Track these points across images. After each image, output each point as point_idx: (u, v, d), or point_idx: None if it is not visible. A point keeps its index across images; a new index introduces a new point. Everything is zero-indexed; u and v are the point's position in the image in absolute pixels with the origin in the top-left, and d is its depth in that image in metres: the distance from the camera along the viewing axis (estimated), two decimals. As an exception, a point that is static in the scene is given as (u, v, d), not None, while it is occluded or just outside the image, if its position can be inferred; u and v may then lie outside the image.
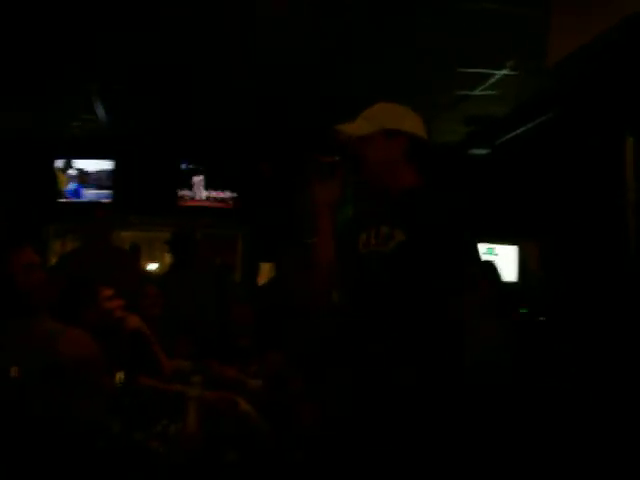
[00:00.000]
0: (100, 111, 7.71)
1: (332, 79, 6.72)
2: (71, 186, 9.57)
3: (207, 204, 9.82)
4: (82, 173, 9.58)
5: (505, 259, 8.41)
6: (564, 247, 7.31)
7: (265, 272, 9.33)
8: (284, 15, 5.44)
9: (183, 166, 9.78)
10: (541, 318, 7.23)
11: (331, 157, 2.88)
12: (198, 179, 9.82)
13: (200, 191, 9.83)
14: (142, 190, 9.52)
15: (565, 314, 6.78)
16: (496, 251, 8.55)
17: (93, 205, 9.23)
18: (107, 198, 9.56)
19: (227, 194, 9.84)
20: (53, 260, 7.92)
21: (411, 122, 2.90)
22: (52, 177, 9.51)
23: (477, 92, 7.09)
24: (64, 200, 9.56)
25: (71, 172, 9.57)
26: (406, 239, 2.70)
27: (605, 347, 5.60)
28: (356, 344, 2.72)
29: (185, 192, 9.79)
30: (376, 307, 2.70)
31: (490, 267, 5.30)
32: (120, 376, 3.16)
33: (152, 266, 10.24)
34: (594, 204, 6.60)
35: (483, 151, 8.98)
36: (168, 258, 9.75)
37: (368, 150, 2.84)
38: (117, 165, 9.62)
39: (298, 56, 6.30)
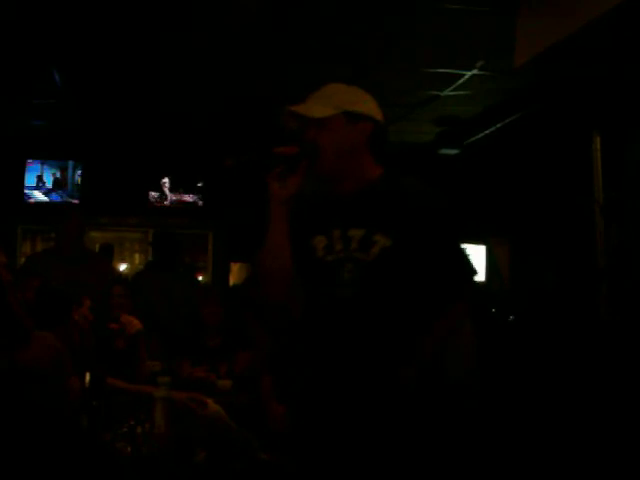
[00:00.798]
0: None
1: (298, 77, 6.71)
2: (40, 186, 9.50)
3: (177, 204, 9.78)
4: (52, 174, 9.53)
5: (474, 258, 8.44)
6: (533, 246, 7.36)
7: (236, 272, 9.34)
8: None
9: (152, 166, 9.73)
10: (510, 317, 7.28)
11: (291, 149, 2.48)
12: (167, 179, 9.79)
13: (169, 191, 9.79)
14: (112, 191, 9.44)
15: (534, 313, 6.82)
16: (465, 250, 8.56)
17: (63, 206, 9.17)
18: (76, 199, 9.51)
19: (197, 194, 9.81)
20: (22, 261, 7.87)
21: (371, 105, 2.58)
22: (21, 177, 9.43)
23: (447, 92, 7.12)
24: (33, 201, 9.48)
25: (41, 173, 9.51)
26: (392, 245, 2.40)
27: (571, 347, 5.64)
28: (337, 353, 2.42)
29: (155, 192, 9.74)
30: (360, 321, 2.40)
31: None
32: (88, 378, 3.14)
33: (122, 266, 10.20)
34: (563, 203, 6.65)
35: (453, 151, 9.02)
36: (138, 258, 9.75)
37: (326, 136, 2.48)
38: (86, 166, 9.55)
39: (260, 58, 6.31)
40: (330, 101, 2.50)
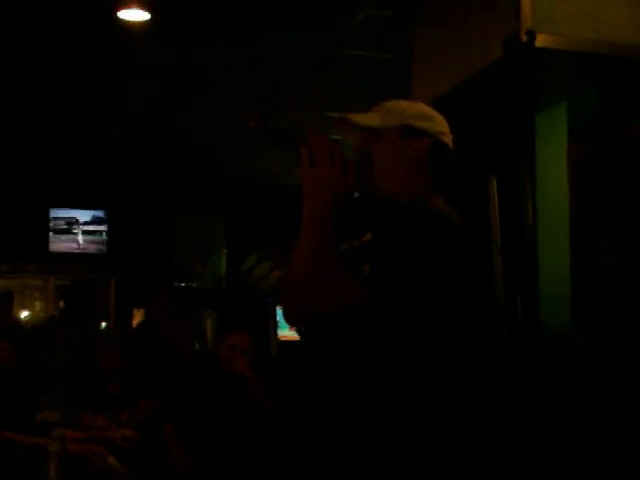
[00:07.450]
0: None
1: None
2: None
3: (79, 249, 9.68)
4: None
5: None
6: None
7: (138, 317, 9.25)
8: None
9: (53, 212, 9.62)
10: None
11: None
12: (70, 224, 9.69)
13: (72, 236, 9.69)
14: (11, 236, 9.28)
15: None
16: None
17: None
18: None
19: (99, 239, 9.73)
20: None
21: (435, 123, 2.30)
22: None
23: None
24: None
25: None
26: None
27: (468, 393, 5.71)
28: None
29: (56, 237, 9.63)
30: None
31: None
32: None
33: (23, 314, 9.98)
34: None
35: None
36: (39, 305, 9.59)
37: (380, 147, 2.27)
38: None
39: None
40: (389, 113, 2.31)
